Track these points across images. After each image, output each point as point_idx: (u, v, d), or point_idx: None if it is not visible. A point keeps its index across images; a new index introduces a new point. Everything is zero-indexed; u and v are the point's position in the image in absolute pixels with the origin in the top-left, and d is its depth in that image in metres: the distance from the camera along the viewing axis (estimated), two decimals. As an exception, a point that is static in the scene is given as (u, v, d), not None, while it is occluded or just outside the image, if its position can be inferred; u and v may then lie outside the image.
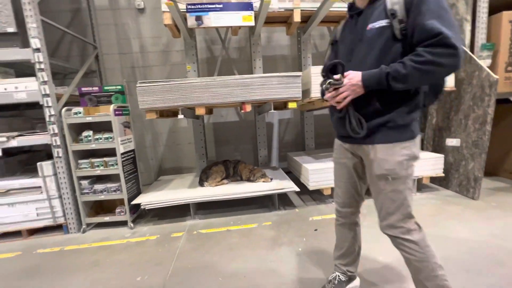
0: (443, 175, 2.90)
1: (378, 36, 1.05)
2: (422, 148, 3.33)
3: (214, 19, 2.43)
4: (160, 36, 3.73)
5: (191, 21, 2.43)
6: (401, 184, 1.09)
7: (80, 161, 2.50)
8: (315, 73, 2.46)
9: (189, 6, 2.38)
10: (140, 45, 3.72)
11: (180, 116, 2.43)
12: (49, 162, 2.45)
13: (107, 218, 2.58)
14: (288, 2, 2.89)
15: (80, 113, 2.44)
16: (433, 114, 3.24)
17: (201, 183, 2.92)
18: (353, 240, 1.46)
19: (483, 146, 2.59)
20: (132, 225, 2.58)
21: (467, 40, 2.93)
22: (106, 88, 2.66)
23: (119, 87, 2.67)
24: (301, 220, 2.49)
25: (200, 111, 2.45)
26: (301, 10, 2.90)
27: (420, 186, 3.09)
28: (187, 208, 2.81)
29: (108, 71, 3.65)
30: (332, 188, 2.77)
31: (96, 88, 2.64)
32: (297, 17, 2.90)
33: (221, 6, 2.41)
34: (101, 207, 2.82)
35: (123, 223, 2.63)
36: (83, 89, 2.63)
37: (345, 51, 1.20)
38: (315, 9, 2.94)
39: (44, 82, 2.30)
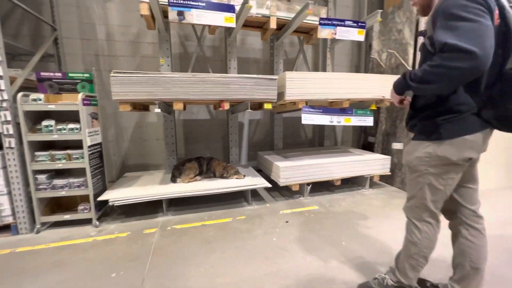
0: (389, 173, 3.41)
1: (422, 50, 1.25)
2: (373, 151, 3.85)
3: (196, 16, 2.46)
4: (130, 25, 3.55)
5: (172, 15, 2.42)
6: (419, 177, 1.24)
7: (37, 153, 2.25)
8: (290, 78, 2.67)
9: (172, 0, 2.37)
10: (107, 32, 3.48)
11: (157, 110, 2.39)
12: (-3, 153, 2.15)
13: (67, 216, 2.36)
14: (265, 9, 3.08)
15: (40, 99, 2.21)
16: (382, 121, 3.78)
17: (173, 179, 2.88)
18: (457, 250, 1.37)
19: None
20: (97, 223, 2.41)
21: (410, 61, 3.52)
22: (71, 75, 2.44)
23: (87, 75, 2.48)
24: (273, 214, 2.67)
25: (178, 106, 2.45)
26: (277, 18, 3.12)
27: (372, 183, 3.56)
28: (157, 204, 2.74)
29: (68, 57, 3.32)
30: (300, 185, 3.04)
31: (59, 74, 2.41)
32: (273, 24, 3.10)
33: (204, 4, 2.45)
34: (58, 205, 2.56)
35: (86, 221, 2.44)
36: (42, 73, 2.37)
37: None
38: (290, 18, 3.18)
39: (-3, 62, 2.02)
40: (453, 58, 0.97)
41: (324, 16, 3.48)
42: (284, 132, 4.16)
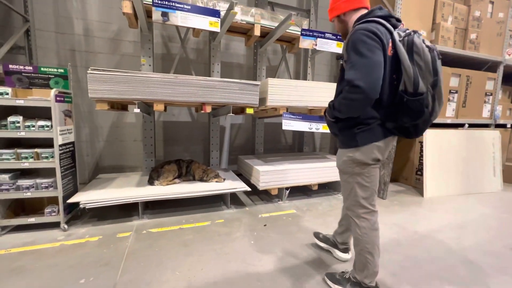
0: (363, 179, 3.59)
1: (341, 70, 1.47)
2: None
3: (181, 19, 2.46)
4: (110, 22, 3.45)
5: (156, 15, 2.40)
6: (349, 178, 1.48)
7: (0, 151, 2.09)
8: (272, 84, 2.75)
9: (156, 1, 2.35)
10: (85, 27, 3.35)
11: (136, 110, 2.34)
12: (-48, 149, 1.97)
13: (32, 220, 2.20)
14: (250, 17, 3.15)
15: (6, 94, 2.06)
16: (358, 130, 3.98)
17: (151, 182, 2.80)
18: (343, 216, 1.89)
19: (391, 157, 3.36)
20: (66, 226, 2.28)
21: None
22: (43, 69, 2.32)
23: (62, 70, 2.37)
24: (252, 217, 2.69)
25: (159, 107, 2.41)
26: (261, 26, 3.20)
27: (347, 188, 3.72)
28: (132, 208, 2.66)
29: (40, 50, 3.14)
30: (278, 189, 3.10)
31: (30, 68, 2.28)
32: (257, 31, 3.18)
33: (189, 7, 2.46)
34: (21, 208, 2.39)
35: (53, 225, 2.29)
36: (10, 66, 2.23)
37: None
38: (273, 27, 3.28)
39: (-41, 51, 1.87)
40: (350, 91, 1.26)
41: (306, 27, 3.64)
42: (265, 137, 4.23)
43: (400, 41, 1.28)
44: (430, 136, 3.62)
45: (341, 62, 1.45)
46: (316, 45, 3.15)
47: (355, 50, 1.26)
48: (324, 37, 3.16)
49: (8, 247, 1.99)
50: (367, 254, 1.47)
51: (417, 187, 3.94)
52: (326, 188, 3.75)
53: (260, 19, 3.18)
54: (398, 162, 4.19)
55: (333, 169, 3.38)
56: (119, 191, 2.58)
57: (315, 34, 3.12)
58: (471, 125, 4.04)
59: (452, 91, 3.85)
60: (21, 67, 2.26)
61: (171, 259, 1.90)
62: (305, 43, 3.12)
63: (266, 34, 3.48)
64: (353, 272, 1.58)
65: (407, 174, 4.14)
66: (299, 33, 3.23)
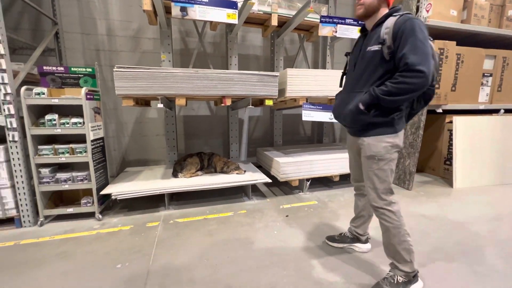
0: (387, 170, 3.48)
1: (373, 57, 1.41)
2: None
3: (199, 12, 2.47)
4: (131, 20, 3.55)
5: (175, 11, 2.43)
6: (385, 165, 1.44)
7: (40, 147, 2.27)
8: (291, 75, 2.71)
9: (175, -4, 2.38)
10: (107, 27, 3.47)
11: (160, 105, 2.41)
12: (0, 147, 2.16)
13: (70, 210, 2.39)
14: (267, 6, 3.10)
15: (43, 93, 2.21)
16: (381, 119, 3.83)
17: (175, 174, 2.91)
18: (362, 207, 1.85)
19: (416, 146, 3.22)
20: (100, 216, 2.44)
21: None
22: (73, 69, 2.45)
23: (90, 69, 2.49)
24: (273, 209, 2.72)
25: (181, 102, 2.47)
26: (278, 15, 3.14)
27: (369, 179, 3.63)
28: (158, 199, 2.78)
29: (68, 51, 3.31)
30: (299, 180, 3.10)
31: (62, 69, 2.42)
32: (274, 21, 3.13)
33: (207, 0, 2.47)
34: (60, 199, 2.59)
35: (89, 215, 2.47)
36: (45, 68, 2.38)
37: (352, 63, 1.58)
38: (291, 16, 3.21)
39: (0, 56, 2.03)
40: (412, 76, 1.26)
41: (325, 14, 3.52)
42: (283, 129, 4.21)
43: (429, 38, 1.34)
44: (460, 124, 3.41)
45: (375, 47, 1.39)
46: (336, 32, 3.04)
47: (415, 36, 1.28)
48: (345, 23, 3.04)
49: (51, 234, 2.18)
50: (407, 237, 1.47)
51: (446, 178, 3.75)
52: (347, 179, 3.67)
53: (277, 8, 3.12)
54: (425, 152, 4.00)
55: (355, 160, 3.30)
56: (146, 183, 2.70)
57: (335, 20, 3.01)
58: (507, 111, 3.74)
59: (486, 74, 3.57)
60: (54, 68, 2.41)
61: (198, 248, 1.98)
62: (325, 30, 3.02)
63: (283, 23, 3.41)
64: (396, 270, 1.51)
65: (434, 164, 3.94)
66: (318, 20, 3.13)
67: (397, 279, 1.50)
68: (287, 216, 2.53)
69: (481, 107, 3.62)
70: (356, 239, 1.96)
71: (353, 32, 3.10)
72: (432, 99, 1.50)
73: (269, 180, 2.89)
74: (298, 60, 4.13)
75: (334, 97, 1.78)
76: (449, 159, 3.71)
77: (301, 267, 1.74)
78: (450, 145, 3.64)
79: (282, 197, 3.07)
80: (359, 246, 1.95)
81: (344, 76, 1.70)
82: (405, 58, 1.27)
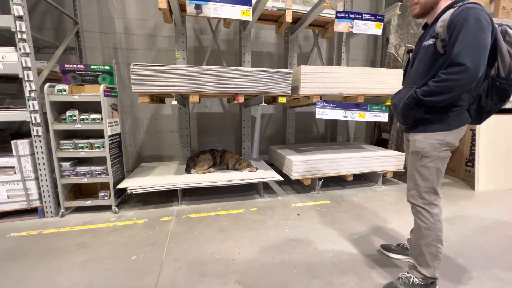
0: (403, 170, 3.37)
1: (427, 52, 1.36)
2: (387, 147, 3.80)
3: (213, 10, 2.48)
4: (147, 19, 3.62)
5: (190, 8, 2.45)
6: (430, 162, 1.37)
7: (61, 142, 2.37)
8: (305, 72, 2.67)
9: (190, -6, 2.40)
10: (125, 26, 3.57)
11: (174, 102, 2.45)
12: (25, 140, 2.28)
13: (89, 202, 2.49)
14: (281, 3, 3.06)
15: (64, 90, 2.31)
16: (398, 117, 3.71)
17: (188, 170, 2.96)
18: None
19: (436, 146, 3.08)
20: (116, 209, 2.53)
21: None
22: (92, 67, 2.54)
23: (108, 67, 2.57)
24: (284, 207, 2.71)
25: (194, 99, 2.50)
26: (293, 11, 3.09)
27: (384, 180, 3.53)
28: (172, 194, 2.84)
29: (88, 50, 3.43)
30: (311, 179, 3.06)
31: (82, 66, 2.51)
32: (288, 18, 3.08)
33: (221, -3, 2.47)
34: (79, 191, 2.70)
35: (106, 208, 2.56)
36: (66, 65, 2.48)
37: (411, 59, 1.54)
38: (305, 12, 3.15)
39: (26, 54, 2.13)
40: (458, 72, 1.20)
41: (341, 9, 3.43)
42: (296, 127, 4.17)
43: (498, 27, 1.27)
44: (484, 123, 3.23)
45: (429, 42, 1.34)
46: (352, 27, 2.96)
47: (467, 27, 1.20)
48: (362, 19, 2.95)
49: (71, 225, 2.28)
50: (438, 243, 1.41)
51: (467, 180, 3.58)
52: (362, 179, 3.60)
53: (291, 4, 3.07)
54: (444, 152, 3.83)
55: (369, 160, 3.22)
56: (160, 178, 2.77)
57: (351, 16, 2.92)
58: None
59: None
60: (75, 66, 2.50)
61: (209, 243, 2.00)
62: (341, 26, 2.94)
63: (297, 19, 3.36)
64: (414, 271, 1.46)
65: (455, 166, 3.77)
66: (333, 16, 3.06)
67: (413, 280, 1.45)
68: (298, 214, 2.51)
69: (509, 105, 3.41)
70: None
71: (370, 28, 3.00)
72: (509, 96, 1.37)
73: (281, 178, 2.87)
74: (312, 57, 4.06)
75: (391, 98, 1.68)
76: (471, 160, 3.54)
77: (312, 267, 1.73)
78: (473, 145, 3.47)
79: (294, 195, 3.04)
80: None
81: (406, 73, 1.64)
82: (453, 51, 1.21)
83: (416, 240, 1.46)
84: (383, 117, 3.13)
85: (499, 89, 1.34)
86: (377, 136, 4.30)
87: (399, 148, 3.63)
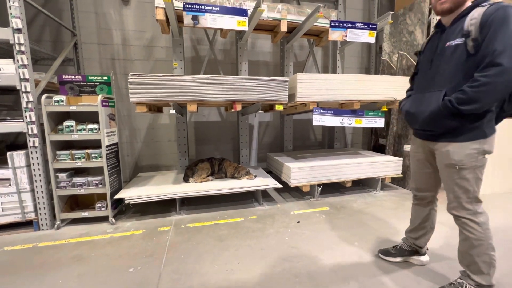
0: (401, 175, 3.38)
1: (454, 52, 1.28)
2: (384, 153, 3.82)
3: (210, 20, 2.53)
4: (145, 30, 3.67)
5: (187, 19, 2.50)
6: (469, 173, 1.31)
7: (58, 152, 2.35)
8: (301, 79, 2.71)
9: (187, 5, 2.45)
10: (122, 37, 3.61)
11: (172, 111, 2.46)
12: (21, 152, 2.26)
13: (85, 214, 2.45)
14: (276, 13, 3.14)
15: (62, 101, 2.31)
16: (394, 123, 3.75)
17: (186, 179, 2.94)
18: (425, 219, 1.70)
19: (432, 151, 3.11)
20: (113, 220, 2.49)
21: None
22: (90, 77, 2.55)
23: (105, 77, 2.58)
24: (284, 214, 2.68)
25: (192, 108, 2.51)
26: (288, 21, 3.17)
27: (383, 185, 3.53)
28: (170, 203, 2.81)
29: (86, 61, 3.46)
30: (310, 186, 3.05)
31: (79, 77, 2.52)
32: (284, 27, 3.15)
33: (217, 8, 2.53)
34: (76, 203, 2.66)
35: (103, 219, 2.52)
36: (64, 76, 2.49)
37: (425, 61, 1.46)
38: (300, 22, 3.23)
39: (24, 66, 2.14)
40: (499, 75, 1.13)
41: (334, 18, 3.52)
42: (293, 134, 4.19)
43: None
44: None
45: (457, 41, 1.27)
46: (346, 36, 3.03)
47: (507, 26, 1.13)
48: (355, 27, 3.02)
49: (67, 238, 2.24)
50: (491, 251, 1.35)
51: (464, 184, 3.59)
52: (360, 185, 3.60)
53: (286, 15, 3.15)
54: (441, 157, 3.86)
55: (367, 165, 3.23)
56: (158, 188, 2.74)
57: (345, 25, 3.00)
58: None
59: None
60: (72, 76, 2.51)
61: (209, 253, 1.97)
62: (335, 35, 3.01)
63: (292, 29, 3.43)
64: (467, 279, 1.42)
65: (452, 170, 3.79)
66: (327, 25, 3.13)
67: (465, 287, 1.40)
68: (298, 222, 2.49)
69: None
70: (415, 251, 1.80)
71: (364, 36, 3.08)
72: None
73: (280, 186, 2.86)
74: (308, 66, 4.13)
75: (399, 104, 1.65)
76: (467, 164, 3.57)
77: (313, 275, 1.70)
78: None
79: (293, 202, 3.03)
80: (419, 258, 1.79)
81: (415, 77, 1.58)
82: (491, 51, 1.13)
83: (465, 250, 1.40)
84: (379, 122, 3.16)
85: None
86: (374, 142, 4.33)
87: (396, 154, 3.66)
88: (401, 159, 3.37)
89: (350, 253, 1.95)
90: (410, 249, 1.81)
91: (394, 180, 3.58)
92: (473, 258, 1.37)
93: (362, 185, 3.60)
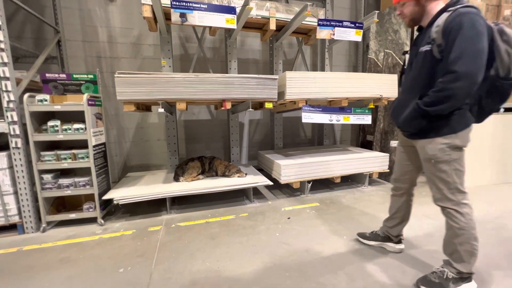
0: (388, 170, 3.48)
1: (425, 57, 1.39)
2: (371, 149, 3.92)
3: (198, 18, 2.51)
4: (132, 27, 3.60)
5: (175, 17, 2.47)
6: (445, 166, 1.40)
7: (42, 153, 2.29)
8: (290, 77, 2.74)
9: (174, 2, 2.42)
10: (108, 34, 3.53)
11: (161, 110, 2.44)
12: (3, 153, 2.19)
13: (73, 215, 2.39)
14: (265, 11, 3.14)
15: (45, 100, 2.24)
16: (380, 120, 3.85)
17: (176, 178, 2.92)
18: (399, 209, 1.83)
19: (417, 146, 3.22)
20: (102, 221, 2.45)
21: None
22: (75, 76, 2.49)
23: (91, 76, 2.53)
24: (275, 211, 2.72)
25: (181, 106, 2.49)
26: (276, 19, 3.18)
27: (371, 180, 3.63)
28: (160, 203, 2.79)
29: (70, 59, 3.36)
30: (300, 182, 3.10)
31: (64, 76, 2.45)
32: (272, 26, 3.17)
33: (205, 6, 2.51)
34: (62, 205, 2.59)
35: (91, 220, 2.47)
36: (47, 75, 2.41)
37: (408, 63, 1.56)
38: (289, 20, 3.25)
39: (4, 64, 2.06)
40: (456, 80, 1.24)
41: (322, 17, 3.56)
42: (284, 132, 4.22)
43: (493, 28, 1.29)
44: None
45: (425, 48, 1.37)
46: (334, 34, 3.08)
47: (462, 34, 1.22)
48: (342, 26, 3.08)
49: (54, 240, 2.18)
50: (473, 241, 1.43)
51: (447, 177, 3.74)
52: (349, 180, 3.68)
53: (275, 13, 3.16)
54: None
55: (355, 161, 3.31)
56: (148, 188, 2.71)
57: (332, 23, 3.04)
58: (507, 110, 3.74)
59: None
60: (56, 75, 2.44)
61: (200, 251, 1.98)
62: (323, 33, 3.06)
63: (281, 27, 3.45)
64: (449, 267, 1.50)
65: (436, 164, 3.93)
66: (316, 24, 3.17)
67: (447, 274, 1.48)
68: (289, 218, 2.53)
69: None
70: (387, 238, 1.94)
71: (351, 35, 3.14)
72: (509, 95, 1.38)
73: (270, 183, 2.89)
74: (297, 63, 4.16)
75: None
76: (450, 159, 3.71)
77: (303, 269, 1.74)
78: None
79: (283, 199, 3.06)
80: (391, 245, 1.92)
81: (403, 76, 1.66)
82: (452, 63, 1.24)
83: (449, 239, 1.48)
84: (367, 119, 3.24)
85: (499, 89, 1.35)
86: (362, 138, 4.43)
87: (383, 150, 3.76)
88: (388, 155, 3.47)
89: (339, 247, 2.00)
90: (383, 236, 1.96)
91: (382, 175, 3.68)
92: (455, 247, 1.45)
93: (350, 180, 3.68)
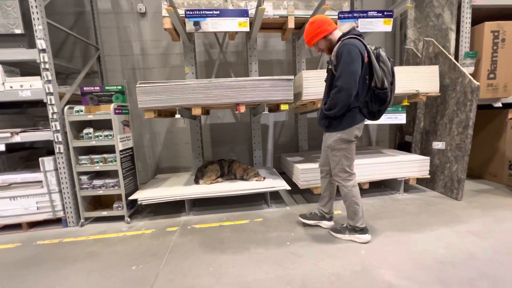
0: (428, 176, 3.02)
1: (329, 73, 1.96)
2: (410, 151, 3.46)
3: (211, 24, 2.56)
4: (161, 39, 3.87)
5: (189, 26, 2.56)
6: (337, 152, 1.99)
7: (80, 157, 2.61)
8: (307, 77, 2.59)
9: (188, 12, 2.51)
10: (141, 47, 3.86)
11: (177, 116, 2.55)
12: (50, 157, 2.56)
13: (104, 213, 2.67)
14: (282, 10, 3.04)
15: (81, 111, 2.55)
16: (420, 118, 3.37)
17: (196, 181, 3.02)
18: (326, 188, 2.28)
19: (465, 149, 2.72)
20: (129, 219, 2.67)
21: (452, 48, 3.08)
22: (107, 88, 2.78)
23: (120, 87, 2.79)
24: (291, 217, 2.60)
25: (196, 111, 2.57)
26: (295, 17, 3.05)
27: (408, 187, 3.20)
28: (182, 204, 2.91)
29: (110, 72, 3.78)
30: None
31: (97, 88, 2.76)
32: (291, 24, 3.05)
33: (218, 12, 2.55)
34: (99, 202, 2.92)
35: (120, 218, 2.72)
36: (85, 88, 2.75)
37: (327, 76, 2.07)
38: (308, 16, 3.08)
39: (48, 81, 2.41)
40: (338, 92, 1.81)
41: (348, 9, 3.29)
42: (310, 134, 4.03)
43: (372, 52, 1.82)
44: (527, 119, 2.77)
45: (330, 67, 1.91)
46: (357, 27, 2.81)
47: (342, 59, 1.77)
48: (367, 16, 2.79)
49: (87, 235, 2.47)
50: (354, 204, 2.02)
51: (511, 186, 3.08)
52: (381, 187, 3.31)
53: (293, 10, 3.03)
54: (483, 154, 3.37)
55: (387, 165, 2.96)
56: (169, 189, 2.87)
57: (355, 15, 2.78)
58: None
59: None
60: (92, 88, 2.76)
61: (207, 255, 2.00)
62: (344, 26, 2.81)
63: (302, 24, 3.30)
64: (347, 222, 2.11)
65: (496, 169, 3.28)
66: (337, 17, 2.94)
67: (346, 225, 2.13)
68: (304, 226, 2.39)
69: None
70: (323, 217, 2.32)
71: (378, 25, 2.82)
72: (388, 101, 1.88)
73: (288, 187, 2.78)
74: (322, 61, 3.93)
75: None
76: (515, 163, 3.05)
77: (307, 284, 1.61)
78: (516, 146, 2.99)
79: (303, 205, 2.91)
80: (325, 223, 2.32)
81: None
82: (336, 80, 1.83)
83: (344, 200, 2.08)
84: (400, 118, 2.88)
85: (377, 96, 1.87)
86: (399, 139, 3.95)
87: (423, 152, 3.29)
88: (428, 158, 3.01)
89: (354, 263, 1.80)
90: (320, 215, 2.34)
91: (422, 181, 3.22)
92: (347, 208, 2.08)
93: (383, 186, 3.31)
